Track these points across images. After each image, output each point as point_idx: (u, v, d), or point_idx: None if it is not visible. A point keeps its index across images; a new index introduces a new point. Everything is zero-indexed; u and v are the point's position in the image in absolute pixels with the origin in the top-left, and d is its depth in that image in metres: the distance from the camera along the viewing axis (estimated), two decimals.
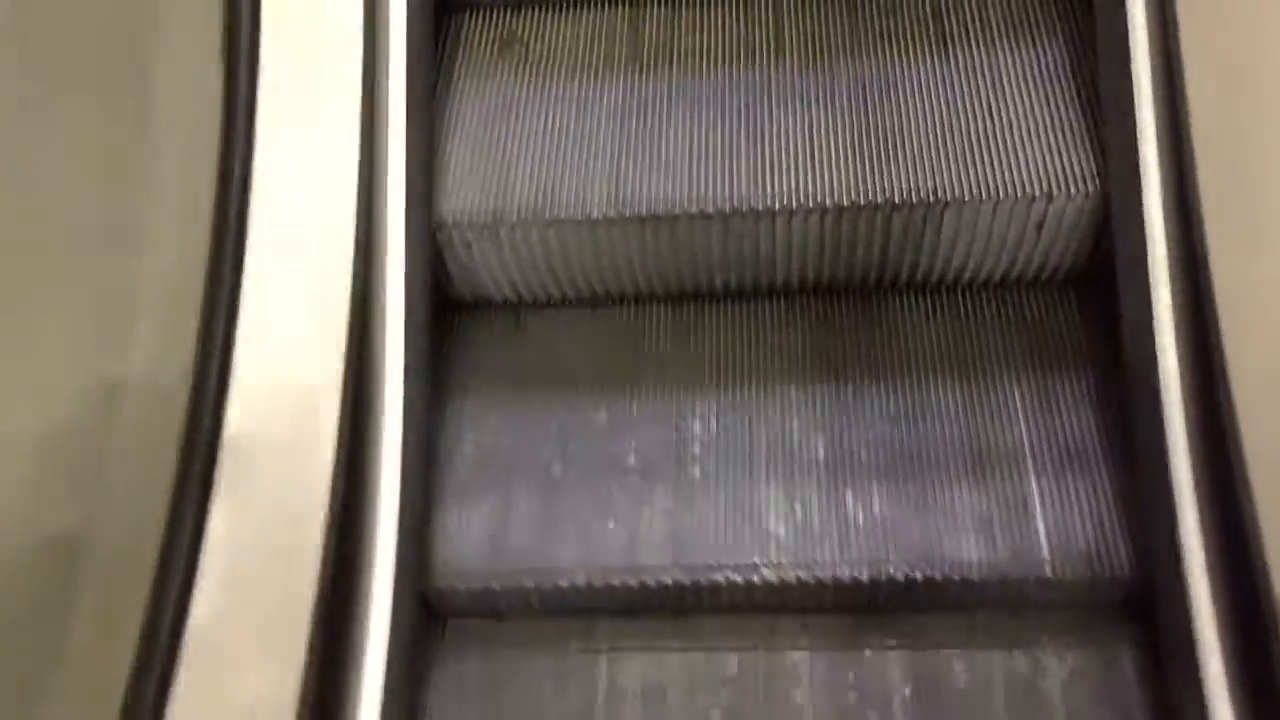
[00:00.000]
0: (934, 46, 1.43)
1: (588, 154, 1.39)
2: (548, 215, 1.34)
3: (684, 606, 1.29)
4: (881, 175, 1.31)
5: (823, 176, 1.32)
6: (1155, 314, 1.21)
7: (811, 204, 1.30)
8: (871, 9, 1.48)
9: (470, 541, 1.30)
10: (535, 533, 1.30)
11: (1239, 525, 1.08)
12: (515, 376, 1.43)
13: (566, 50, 1.50)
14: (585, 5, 1.55)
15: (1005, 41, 1.42)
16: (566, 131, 1.41)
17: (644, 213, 1.33)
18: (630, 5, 1.53)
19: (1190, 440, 1.17)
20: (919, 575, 1.21)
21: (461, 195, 1.37)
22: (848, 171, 1.32)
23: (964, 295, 1.42)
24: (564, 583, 1.26)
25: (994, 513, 1.25)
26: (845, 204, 1.30)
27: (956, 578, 1.21)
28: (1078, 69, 1.38)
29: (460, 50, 1.53)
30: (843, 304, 1.43)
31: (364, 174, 1.28)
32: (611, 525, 1.29)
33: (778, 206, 1.31)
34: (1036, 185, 1.28)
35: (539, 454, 1.36)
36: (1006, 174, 1.29)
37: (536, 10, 1.55)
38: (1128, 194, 1.24)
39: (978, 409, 1.33)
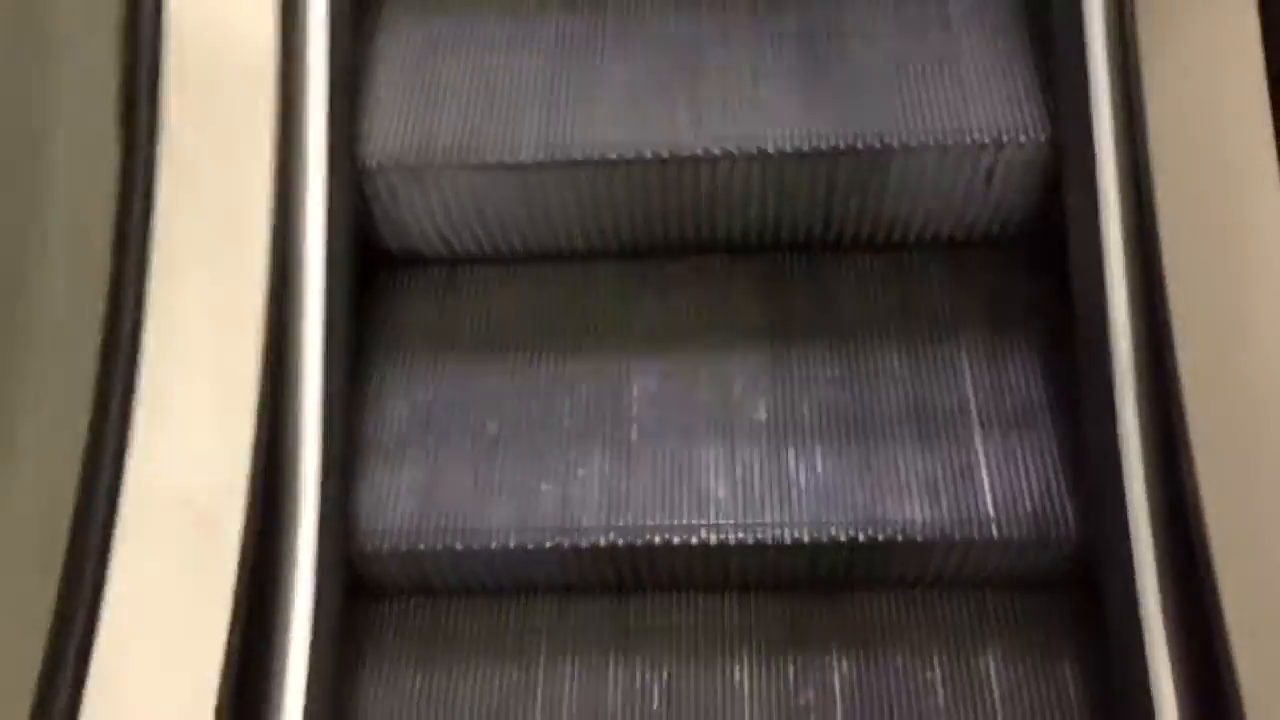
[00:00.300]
0: None
1: (518, 95, 1.32)
2: (474, 159, 1.28)
3: (622, 578, 1.24)
4: (828, 122, 1.26)
5: (767, 122, 1.27)
6: (1106, 268, 1.18)
7: (755, 150, 1.25)
8: None
9: (399, 502, 1.24)
10: (467, 493, 1.24)
11: (1184, 486, 1.06)
12: (449, 334, 1.36)
13: None
14: None
15: None
16: (495, 71, 1.34)
17: (578, 157, 1.26)
18: None
19: (1139, 399, 1.14)
20: (861, 536, 1.18)
21: (385, 138, 1.30)
22: (793, 117, 1.27)
23: (912, 254, 1.38)
24: (495, 544, 1.21)
25: (939, 474, 1.21)
26: (789, 150, 1.25)
27: (900, 538, 1.17)
28: (1031, 19, 1.33)
29: None
30: (788, 263, 1.38)
31: (281, 116, 1.20)
32: (546, 486, 1.24)
33: (719, 152, 1.25)
34: (986, 133, 1.23)
35: (473, 413, 1.30)
36: (955, 122, 1.24)
37: None
38: (1079, 142, 1.20)
39: (924, 370, 1.29)
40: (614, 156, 1.26)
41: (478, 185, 1.30)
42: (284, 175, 1.20)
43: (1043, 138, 1.23)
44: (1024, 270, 1.34)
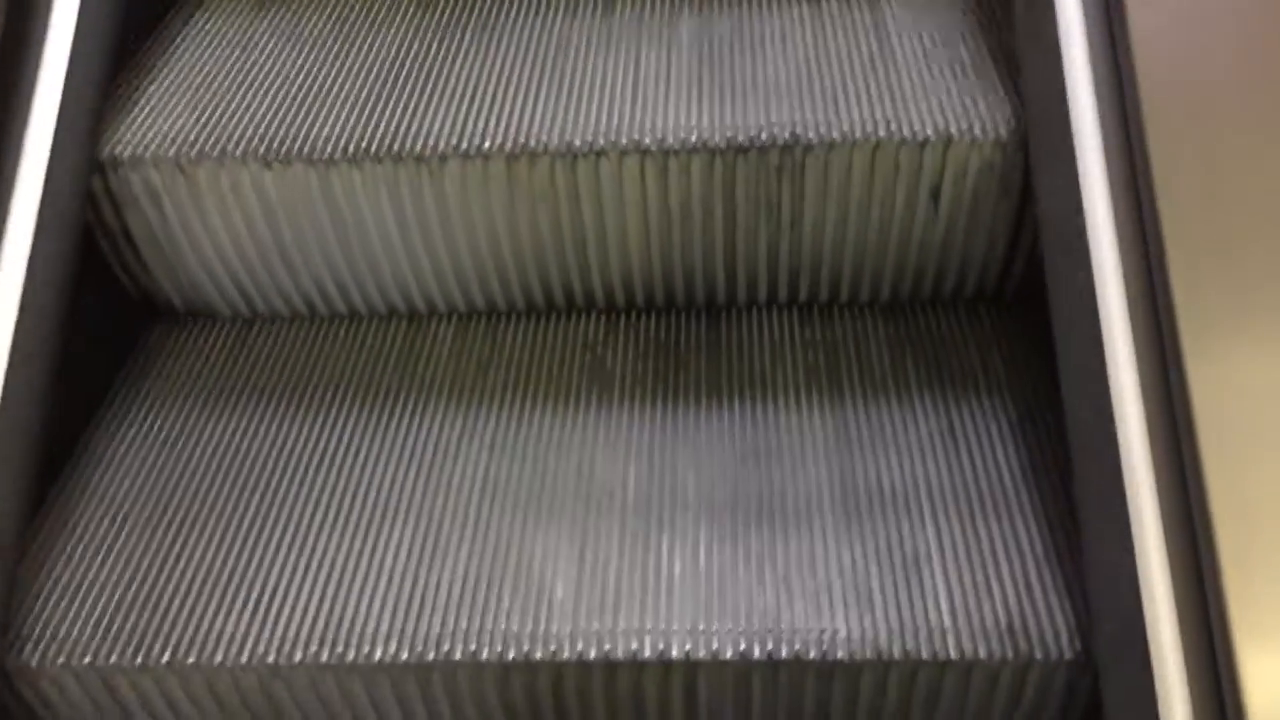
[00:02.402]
0: (802, 3, 1.11)
1: (340, 90, 1.03)
2: (266, 151, 0.97)
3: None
4: (723, 113, 0.97)
5: (644, 114, 0.97)
6: (1103, 310, 0.84)
7: (625, 142, 0.95)
8: None
9: (75, 602, 0.87)
10: (180, 592, 0.87)
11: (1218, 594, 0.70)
12: (225, 391, 1.03)
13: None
14: None
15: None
16: (318, 68, 1.06)
17: (396, 150, 0.96)
18: None
19: (1158, 482, 0.79)
20: (757, 651, 0.80)
21: (146, 130, 0.99)
22: (678, 108, 0.98)
23: (842, 311, 1.06)
24: (221, 658, 0.82)
25: (872, 569, 0.84)
26: (673, 145, 0.94)
27: (813, 655, 0.79)
28: (976, 26, 1.07)
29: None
30: (681, 325, 1.07)
31: None
32: (310, 585, 0.87)
33: (578, 143, 0.95)
34: (928, 125, 0.94)
35: (211, 488, 0.94)
36: (887, 112, 0.95)
37: None
38: (1055, 143, 0.90)
39: (855, 439, 0.95)
40: (444, 148, 0.96)
41: (269, 192, 0.99)
42: None
43: (1005, 131, 0.93)
44: (984, 320, 1.02)
